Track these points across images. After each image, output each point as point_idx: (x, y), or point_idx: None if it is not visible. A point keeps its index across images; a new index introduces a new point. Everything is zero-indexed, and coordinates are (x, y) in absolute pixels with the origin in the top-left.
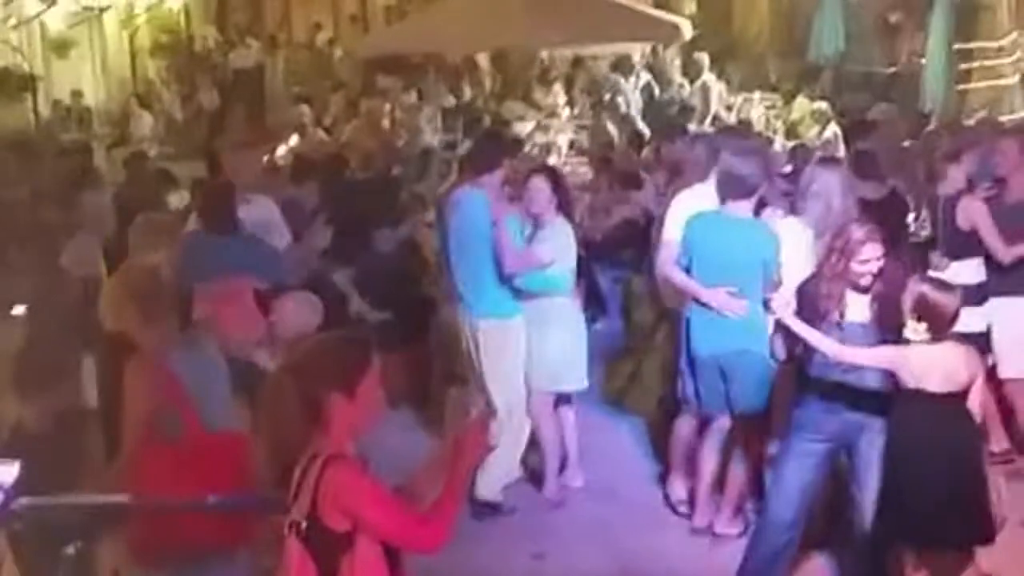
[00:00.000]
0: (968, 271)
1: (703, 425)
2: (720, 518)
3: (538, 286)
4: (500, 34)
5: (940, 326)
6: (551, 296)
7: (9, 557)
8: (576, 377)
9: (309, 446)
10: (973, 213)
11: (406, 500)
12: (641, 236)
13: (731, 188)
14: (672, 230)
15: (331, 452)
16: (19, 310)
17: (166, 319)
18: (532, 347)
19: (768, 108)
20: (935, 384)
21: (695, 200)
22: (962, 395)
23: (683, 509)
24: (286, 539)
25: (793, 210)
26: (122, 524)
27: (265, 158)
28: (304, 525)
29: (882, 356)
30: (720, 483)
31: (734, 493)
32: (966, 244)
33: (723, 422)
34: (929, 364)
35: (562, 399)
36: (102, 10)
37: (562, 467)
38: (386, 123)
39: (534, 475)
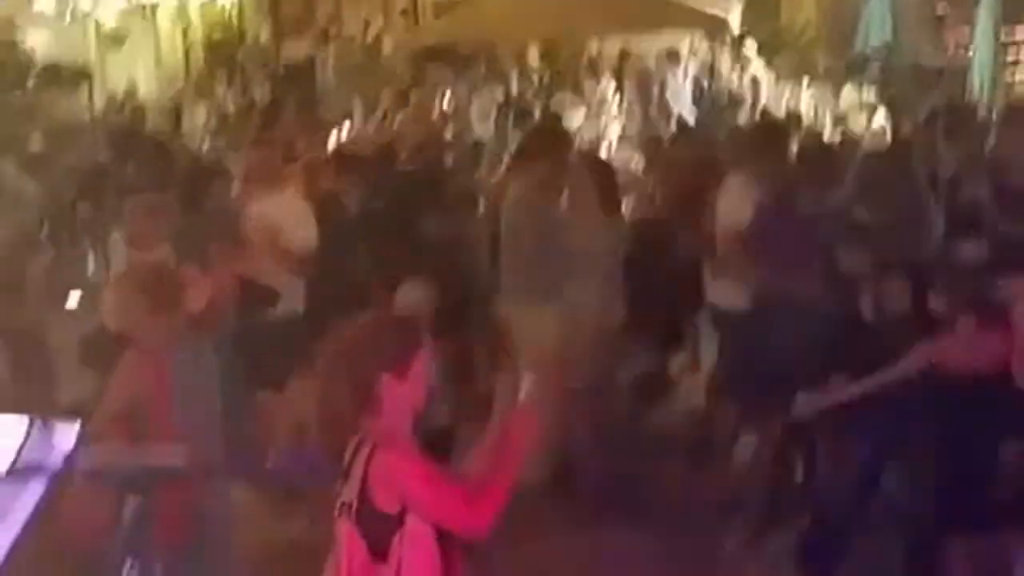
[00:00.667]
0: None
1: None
2: None
3: (571, 278)
4: (549, 26)
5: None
6: (588, 287)
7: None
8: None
9: (360, 427)
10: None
11: (458, 483)
12: (693, 227)
13: (806, 180)
14: (729, 219)
15: (383, 432)
16: (74, 299)
17: (171, 316)
18: (568, 337)
19: (816, 99)
20: (977, 366)
21: (743, 190)
22: (1003, 374)
23: None
24: (337, 520)
25: None
26: (180, 483)
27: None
28: (355, 506)
29: (922, 358)
30: None
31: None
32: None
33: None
34: (968, 348)
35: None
36: (155, 4)
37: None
38: (436, 115)
39: (572, 463)
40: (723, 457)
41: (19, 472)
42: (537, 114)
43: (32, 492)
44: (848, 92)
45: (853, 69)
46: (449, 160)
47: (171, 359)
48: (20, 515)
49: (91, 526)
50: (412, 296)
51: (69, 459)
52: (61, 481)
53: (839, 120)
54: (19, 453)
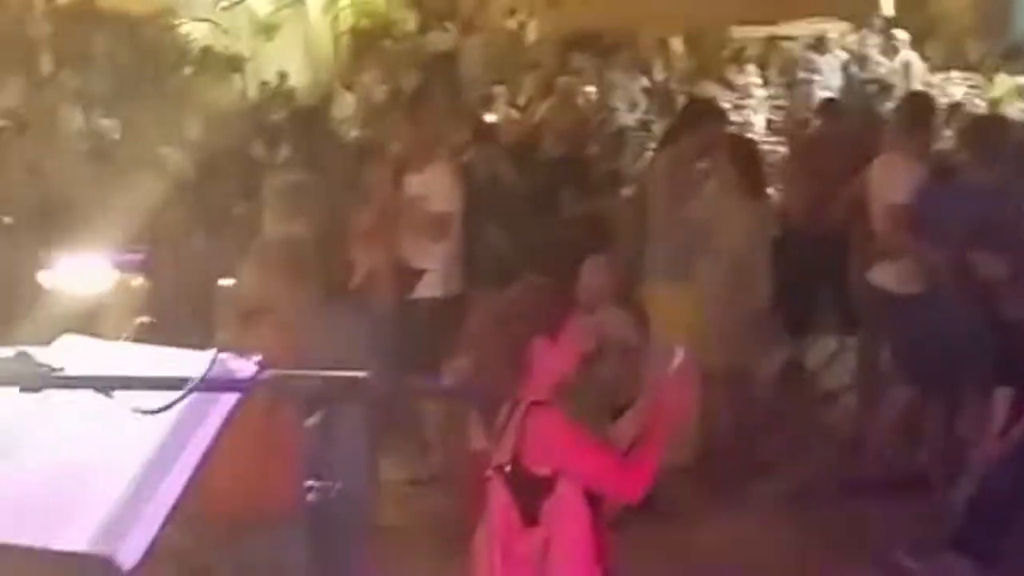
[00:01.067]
0: None
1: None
2: None
3: (714, 260)
4: (693, 13)
5: None
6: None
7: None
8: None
9: (513, 391)
10: None
11: (610, 447)
12: (843, 211)
13: (964, 160)
14: (888, 199)
15: (534, 398)
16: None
17: (308, 292)
18: (709, 319)
19: (970, 87)
20: None
21: (899, 168)
22: None
23: None
24: (489, 483)
25: None
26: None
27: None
28: (507, 469)
29: None
30: None
31: None
32: None
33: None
34: None
35: None
36: None
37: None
38: (580, 102)
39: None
40: (873, 444)
41: (208, 389)
42: (682, 100)
43: (220, 409)
44: (1003, 79)
45: (1008, 56)
46: (593, 147)
47: (306, 334)
48: (209, 431)
49: (274, 442)
50: (595, 271)
51: (252, 379)
52: (246, 397)
53: (994, 106)
54: (206, 372)
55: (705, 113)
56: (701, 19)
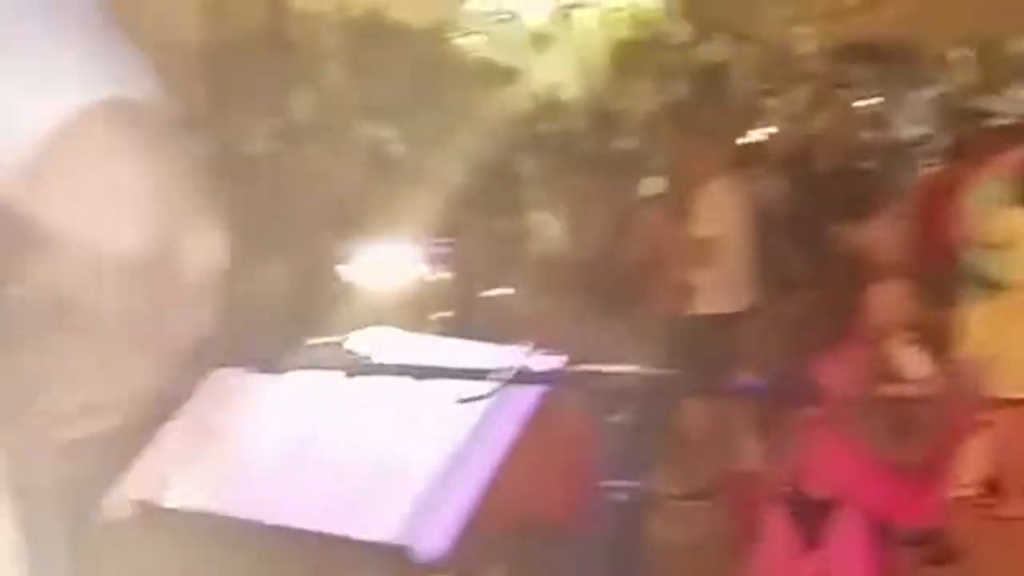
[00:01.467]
0: None
1: None
2: None
3: (990, 269)
4: (980, 25)
5: None
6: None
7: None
8: None
9: (795, 408)
10: None
11: (895, 471)
12: None
13: None
14: None
15: (815, 417)
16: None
17: (585, 305)
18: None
19: None
20: None
21: None
22: None
23: None
24: (768, 503)
25: None
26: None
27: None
28: (787, 489)
29: None
30: None
31: None
32: None
33: None
34: None
35: None
36: (579, 6)
37: None
38: (857, 115)
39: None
40: None
41: (516, 381)
42: (965, 115)
43: (522, 405)
44: None
45: None
46: (870, 161)
47: (580, 346)
48: (511, 427)
49: (576, 440)
50: (886, 296)
51: (557, 373)
52: (549, 394)
53: None
54: (519, 362)
55: (1007, 131)
56: (988, 31)
